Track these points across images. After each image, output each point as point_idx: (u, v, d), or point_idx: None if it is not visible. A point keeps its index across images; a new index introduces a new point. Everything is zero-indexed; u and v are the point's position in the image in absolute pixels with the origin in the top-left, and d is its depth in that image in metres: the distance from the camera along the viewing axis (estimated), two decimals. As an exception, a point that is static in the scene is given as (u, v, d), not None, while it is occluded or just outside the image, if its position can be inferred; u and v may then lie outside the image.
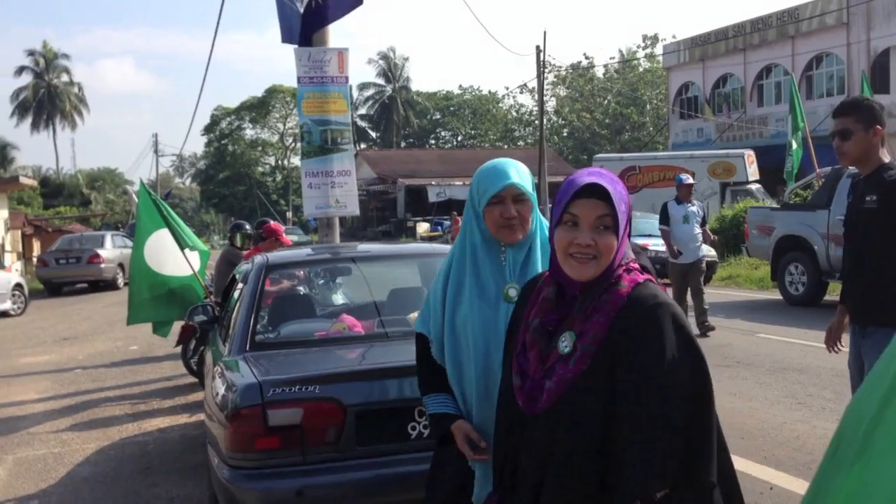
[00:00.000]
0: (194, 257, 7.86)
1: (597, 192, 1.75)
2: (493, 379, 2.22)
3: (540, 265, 2.34)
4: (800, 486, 4.62)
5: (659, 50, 50.39)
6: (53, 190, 55.34)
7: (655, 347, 1.69)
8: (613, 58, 60.35)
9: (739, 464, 5.25)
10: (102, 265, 22.83)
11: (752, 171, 25.77)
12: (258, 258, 4.90)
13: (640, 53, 57.69)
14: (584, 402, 1.72)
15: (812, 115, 24.67)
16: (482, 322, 2.30)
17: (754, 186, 25.11)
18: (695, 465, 1.69)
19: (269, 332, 4.38)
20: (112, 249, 23.70)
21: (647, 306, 1.74)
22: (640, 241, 17.48)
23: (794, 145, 16.84)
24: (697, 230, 10.16)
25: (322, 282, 6.50)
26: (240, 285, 4.84)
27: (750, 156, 25.95)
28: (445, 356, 2.40)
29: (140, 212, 7.56)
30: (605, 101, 56.34)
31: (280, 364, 3.81)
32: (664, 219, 10.37)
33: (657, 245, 16.64)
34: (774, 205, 18.06)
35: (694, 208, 10.19)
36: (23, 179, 33.45)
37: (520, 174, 2.35)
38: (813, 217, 12.00)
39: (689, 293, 10.22)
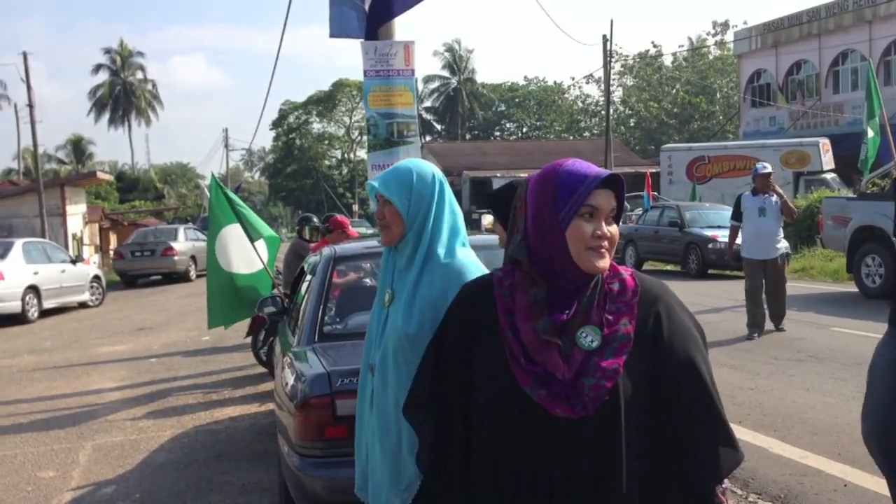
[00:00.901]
0: (263, 248, 7.93)
1: (608, 184, 1.74)
2: (366, 378, 2.37)
3: (415, 278, 2.25)
4: (875, 484, 4.48)
5: (729, 37, 49.24)
6: (129, 184, 57.02)
7: (685, 327, 1.79)
8: (682, 46, 59.29)
9: (813, 460, 5.16)
10: (176, 258, 23.48)
11: (827, 160, 25.05)
12: (326, 250, 4.97)
13: (710, 41, 56.56)
14: (632, 392, 1.70)
15: (890, 101, 23.81)
16: (371, 326, 2.38)
17: (829, 176, 24.43)
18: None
19: (337, 322, 4.45)
20: (185, 242, 24.35)
21: (660, 290, 1.82)
22: (709, 233, 17.21)
23: (871, 133, 16.28)
24: (776, 224, 9.31)
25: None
26: (308, 277, 4.92)
27: (825, 144, 25.22)
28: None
29: (212, 206, 7.71)
30: (674, 90, 55.38)
31: (348, 354, 3.86)
32: (737, 213, 9.60)
33: (726, 237, 16.33)
34: (850, 194, 17.53)
35: (773, 199, 9.28)
36: (100, 174, 34.62)
37: (387, 177, 2.33)
38: (891, 207, 11.60)
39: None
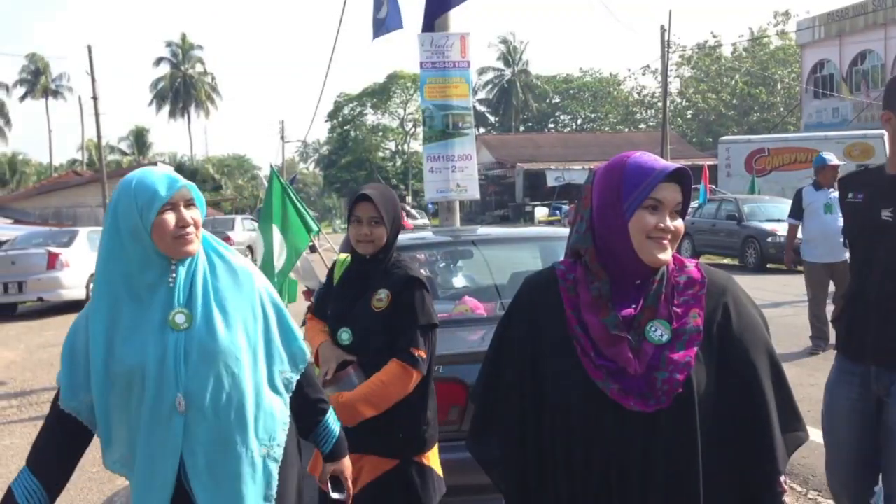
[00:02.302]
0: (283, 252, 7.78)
1: (675, 178, 1.74)
2: (164, 423, 1.93)
3: (202, 284, 2.02)
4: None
5: (791, 27, 48.08)
6: (188, 175, 57.16)
7: (753, 319, 1.80)
8: (742, 36, 58.09)
9: None
10: (232, 247, 23.89)
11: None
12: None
13: (772, 31, 55.26)
14: (704, 384, 1.71)
15: (962, 92, 23.00)
16: (147, 359, 1.93)
17: (895, 169, 23.72)
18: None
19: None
20: (242, 232, 24.80)
21: (726, 282, 1.83)
22: (769, 227, 16.89)
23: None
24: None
25: (443, 265, 6.59)
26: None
27: (891, 136, 24.51)
28: (97, 408, 1.98)
29: (269, 197, 7.78)
30: (733, 81, 54.32)
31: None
32: (796, 211, 8.38)
33: (786, 230, 15.99)
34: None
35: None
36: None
37: (182, 178, 2.08)
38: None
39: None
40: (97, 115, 29.62)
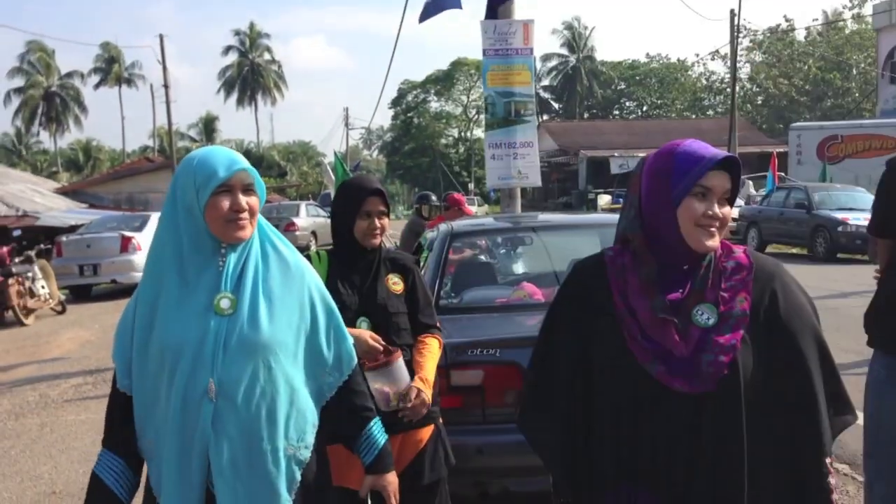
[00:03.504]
0: None
1: (724, 166, 1.76)
2: (193, 408, 1.88)
3: (252, 273, 1.98)
4: None
5: (868, 10, 46.43)
6: (254, 162, 58.17)
7: (801, 304, 1.82)
8: (816, 19, 56.39)
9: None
10: (297, 232, 24.27)
11: (974, 141, 23.41)
12: (443, 226, 5.09)
13: (847, 14, 53.45)
14: (751, 367, 1.73)
15: None
16: (186, 340, 1.90)
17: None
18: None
19: (453, 297, 4.56)
20: (306, 218, 25.16)
21: (775, 268, 1.85)
22: (840, 216, 16.45)
23: None
24: None
25: (503, 251, 6.64)
26: (425, 253, 5.06)
27: (971, 123, 23.55)
28: (134, 386, 1.97)
29: (336, 186, 7.94)
30: (806, 67, 52.81)
31: (463, 328, 3.96)
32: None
33: (857, 220, 15.61)
34: None
35: None
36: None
37: (246, 161, 2.02)
38: None
39: None
40: (168, 102, 30.40)
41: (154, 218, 17.27)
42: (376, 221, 2.93)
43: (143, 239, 16.20)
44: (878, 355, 2.82)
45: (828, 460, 1.77)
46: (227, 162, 1.96)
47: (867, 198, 17.19)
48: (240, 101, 70.72)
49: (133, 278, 15.89)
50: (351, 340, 2.16)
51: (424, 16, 9.14)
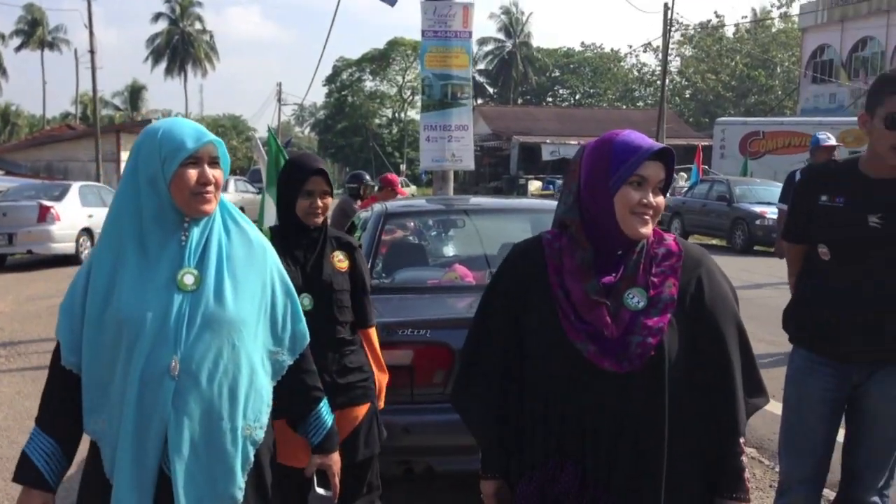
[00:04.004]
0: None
1: (659, 156, 1.84)
2: (153, 386, 1.82)
3: (216, 248, 1.94)
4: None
5: (795, 10, 47.95)
6: (182, 134, 57.57)
7: (724, 291, 1.91)
8: (745, 17, 57.90)
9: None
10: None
11: (887, 142, 24.40)
12: (377, 207, 5.09)
13: (775, 13, 55.03)
14: (676, 349, 1.82)
15: (959, 83, 23.05)
16: (147, 315, 1.84)
17: (888, 157, 23.81)
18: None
19: (384, 277, 4.57)
20: (234, 194, 24.70)
21: (701, 255, 1.94)
22: (758, 209, 16.99)
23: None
24: None
25: (434, 233, 6.67)
26: (358, 233, 5.05)
27: (886, 125, 24.55)
28: (84, 362, 1.90)
29: (271, 160, 7.74)
30: (733, 63, 54.18)
31: (394, 308, 3.99)
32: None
33: (774, 214, 16.10)
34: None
35: None
36: (155, 123, 35.19)
37: (212, 134, 1.98)
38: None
39: None
40: (94, 69, 29.41)
41: (75, 188, 16.75)
42: (318, 201, 2.95)
43: (63, 209, 15.70)
44: (797, 349, 3.05)
45: (741, 440, 1.87)
46: (195, 134, 1.92)
47: (785, 193, 17.78)
48: (168, 71, 68.81)
49: (50, 249, 15.42)
50: (304, 321, 2.15)
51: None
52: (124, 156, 27.96)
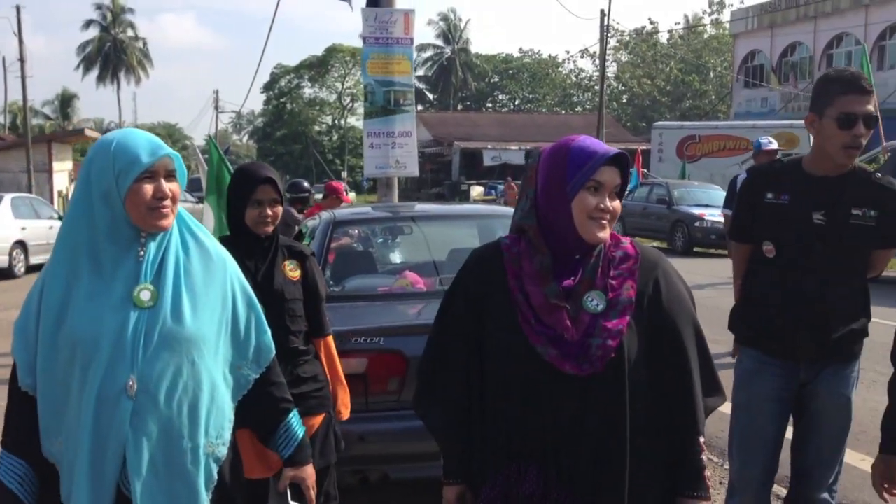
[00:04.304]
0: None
1: (615, 161, 1.86)
2: (109, 406, 1.77)
3: (173, 263, 1.88)
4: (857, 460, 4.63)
5: (726, 16, 49.21)
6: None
7: (680, 292, 1.95)
8: (678, 23, 59.14)
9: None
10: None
11: (817, 144, 25.18)
12: (325, 215, 5.06)
13: (707, 19, 56.40)
14: (635, 350, 1.85)
15: (882, 86, 23.94)
16: (102, 333, 1.79)
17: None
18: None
19: (335, 285, 4.54)
20: (173, 203, 24.30)
21: (658, 258, 1.97)
22: (697, 211, 17.37)
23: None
24: None
25: (381, 240, 6.65)
26: (307, 241, 5.01)
27: (815, 127, 25.32)
28: (39, 384, 1.84)
29: (212, 169, 7.62)
30: (668, 68, 55.31)
31: (346, 316, 3.96)
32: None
33: (713, 216, 16.53)
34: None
35: None
36: (88, 132, 34.35)
37: (168, 146, 1.91)
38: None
39: None
40: (24, 78, 28.63)
41: (6, 200, 16.25)
42: (268, 210, 2.92)
43: (-6, 222, 15.24)
44: (745, 349, 3.08)
45: (701, 439, 1.90)
46: (150, 147, 1.85)
47: (722, 195, 18.21)
48: (101, 79, 67.17)
49: (-20, 263, 14.95)
50: (269, 332, 2.10)
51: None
52: (56, 166, 27.25)
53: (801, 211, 2.83)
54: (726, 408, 3.21)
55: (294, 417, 2.18)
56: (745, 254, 3.10)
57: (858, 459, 4.75)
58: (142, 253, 1.85)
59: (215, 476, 1.91)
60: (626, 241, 1.96)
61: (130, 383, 1.77)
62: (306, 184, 9.35)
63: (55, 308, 1.83)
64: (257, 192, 2.90)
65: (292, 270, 3.00)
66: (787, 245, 2.87)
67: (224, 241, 3.00)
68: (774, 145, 7.86)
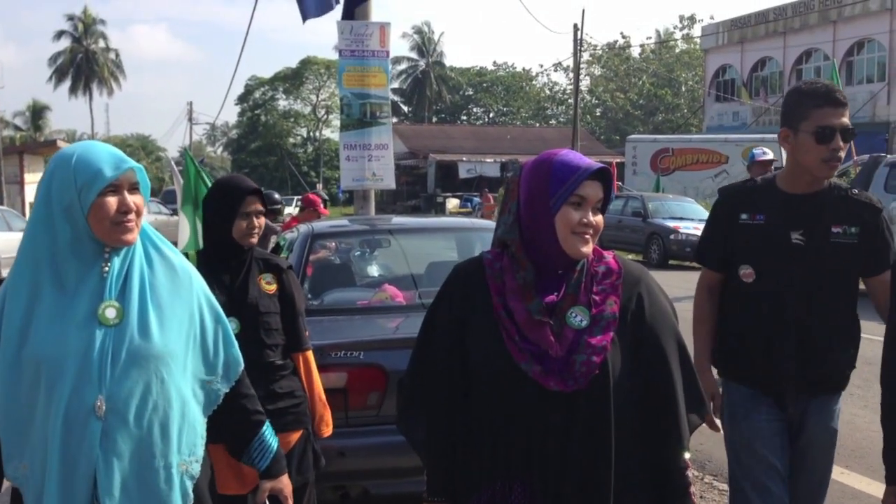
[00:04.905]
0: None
1: (597, 176, 1.86)
2: (78, 427, 1.73)
3: (138, 279, 1.85)
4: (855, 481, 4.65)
5: (697, 31, 49.80)
6: (88, 155, 55.77)
7: (663, 306, 1.95)
8: (650, 38, 59.86)
9: None
10: (137, 230, 23.25)
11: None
12: (303, 228, 5.03)
13: (678, 34, 57.04)
14: (619, 366, 1.84)
15: (851, 101, 24.03)
16: (67, 353, 1.75)
17: (789, 172, 24.86)
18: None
19: (313, 299, 4.51)
20: (148, 215, 24.03)
21: (640, 273, 1.97)
22: (672, 224, 17.52)
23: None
24: None
25: (359, 253, 6.62)
26: (284, 254, 4.98)
27: (786, 141, 25.68)
28: (1, 405, 1.79)
29: (188, 181, 7.54)
30: (640, 82, 55.84)
31: (325, 330, 3.93)
32: None
33: (687, 228, 16.67)
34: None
35: None
36: (60, 143, 33.99)
37: (131, 159, 1.89)
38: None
39: None
40: (-7, 88, 28.27)
41: (-22, 212, 16.04)
42: (255, 221, 2.91)
43: (-36, 234, 15.00)
44: (730, 383, 2.89)
45: (686, 455, 1.90)
46: (112, 160, 1.82)
47: (696, 208, 18.40)
48: (73, 90, 66.48)
49: (-49, 277, 14.70)
50: (237, 345, 2.07)
51: (305, 15, 8.93)
52: (28, 178, 26.91)
53: (779, 231, 2.70)
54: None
55: (268, 429, 2.17)
56: (714, 283, 2.92)
57: (838, 473, 4.79)
58: (106, 268, 1.82)
59: (191, 494, 1.88)
60: (609, 256, 1.96)
61: (99, 404, 1.73)
62: (277, 195, 9.35)
63: (17, 326, 1.78)
64: (245, 203, 2.89)
65: (268, 284, 2.97)
66: (766, 268, 2.74)
67: (200, 254, 2.98)
68: (769, 156, 7.60)
